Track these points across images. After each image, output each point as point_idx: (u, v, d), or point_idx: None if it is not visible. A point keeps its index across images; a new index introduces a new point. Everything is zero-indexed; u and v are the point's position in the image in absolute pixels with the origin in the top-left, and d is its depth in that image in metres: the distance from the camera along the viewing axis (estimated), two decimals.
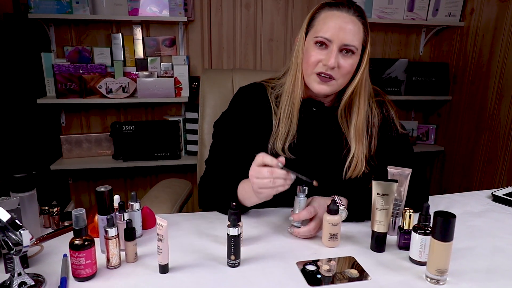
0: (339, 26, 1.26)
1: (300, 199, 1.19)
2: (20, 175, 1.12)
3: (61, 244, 1.13)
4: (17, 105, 2.54)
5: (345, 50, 1.28)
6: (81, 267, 0.96)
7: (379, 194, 1.13)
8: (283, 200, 1.38)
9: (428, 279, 1.01)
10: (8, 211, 0.92)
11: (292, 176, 1.15)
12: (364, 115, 1.37)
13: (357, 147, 1.38)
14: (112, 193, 1.08)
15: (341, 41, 1.27)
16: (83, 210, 0.97)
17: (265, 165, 1.14)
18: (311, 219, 1.21)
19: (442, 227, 0.97)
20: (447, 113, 3.49)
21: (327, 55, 1.28)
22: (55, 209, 1.24)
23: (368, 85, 1.38)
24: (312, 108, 1.44)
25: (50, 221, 1.25)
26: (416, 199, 1.32)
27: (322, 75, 1.30)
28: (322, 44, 1.29)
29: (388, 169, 1.25)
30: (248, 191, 1.25)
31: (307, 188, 1.19)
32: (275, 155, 1.38)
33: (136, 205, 1.18)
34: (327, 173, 1.42)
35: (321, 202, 1.24)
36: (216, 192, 1.39)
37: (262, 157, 1.14)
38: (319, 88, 1.33)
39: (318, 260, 1.09)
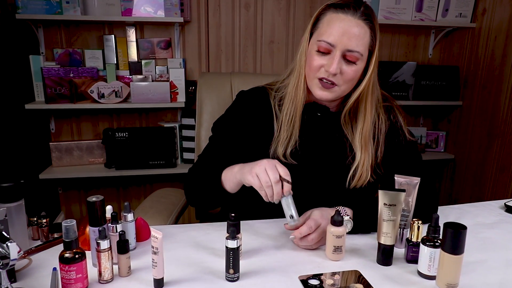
0: (343, 31, 1.27)
1: (285, 199, 1.20)
2: (7, 185, 1.12)
3: (51, 257, 1.13)
4: (4, 111, 2.54)
5: (349, 55, 1.29)
6: (71, 281, 0.96)
7: (386, 204, 1.13)
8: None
9: None
10: None
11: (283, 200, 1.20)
12: (370, 122, 1.38)
13: (363, 156, 1.39)
14: (104, 204, 1.09)
15: (345, 47, 1.27)
16: (74, 222, 0.97)
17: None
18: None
19: (453, 239, 0.98)
20: (457, 119, 3.49)
21: (329, 60, 1.29)
22: (44, 220, 1.24)
23: (375, 91, 1.39)
24: (317, 113, 1.45)
25: (39, 233, 1.25)
26: (425, 210, 1.32)
27: (324, 80, 1.31)
28: (325, 48, 1.30)
29: (395, 178, 1.25)
30: (233, 173, 1.30)
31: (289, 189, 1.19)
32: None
33: (130, 216, 1.18)
34: (330, 181, 1.43)
35: (323, 213, 1.24)
36: (203, 180, 1.41)
37: (285, 171, 1.18)
38: (321, 94, 1.34)
39: (321, 274, 1.09)
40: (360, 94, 1.36)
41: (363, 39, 1.28)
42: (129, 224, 1.18)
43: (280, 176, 1.17)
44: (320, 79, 1.32)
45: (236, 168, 1.29)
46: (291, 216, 1.19)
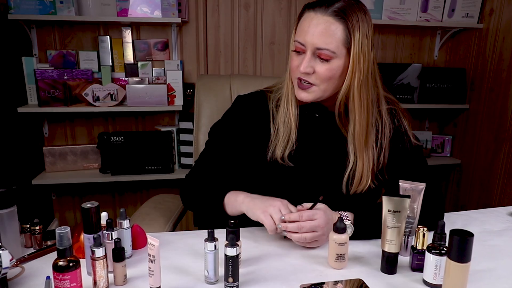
0: (311, 29, 1.28)
1: (208, 254, 1.09)
2: None
3: (44, 265, 1.13)
4: None
5: (320, 54, 1.29)
6: None
7: (390, 211, 1.13)
8: None
9: None
10: None
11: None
12: (361, 126, 1.36)
13: (360, 160, 1.39)
14: (99, 210, 1.09)
15: (313, 45, 1.29)
16: (68, 229, 0.97)
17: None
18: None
19: (459, 247, 0.98)
20: (464, 123, 3.50)
21: (302, 60, 1.31)
22: (37, 227, 1.24)
23: (366, 93, 1.35)
24: (315, 113, 1.45)
25: (32, 240, 1.25)
26: (431, 216, 1.33)
27: (302, 81, 1.34)
28: (299, 48, 1.32)
29: (400, 183, 1.25)
30: (237, 201, 1.34)
31: (216, 244, 1.08)
32: (274, 163, 1.40)
33: (126, 223, 1.19)
34: (329, 185, 1.43)
35: (326, 212, 1.26)
36: (203, 193, 1.45)
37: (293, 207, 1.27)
38: (301, 95, 1.37)
39: (323, 283, 1.09)
40: (345, 95, 1.35)
41: (333, 37, 1.27)
42: (125, 231, 1.18)
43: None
44: (299, 80, 1.35)
45: (241, 198, 1.34)
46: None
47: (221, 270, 1.07)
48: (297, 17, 1.37)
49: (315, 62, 1.31)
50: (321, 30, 1.27)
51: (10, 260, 0.91)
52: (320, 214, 1.23)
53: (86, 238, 1.07)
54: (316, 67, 1.31)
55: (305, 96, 1.36)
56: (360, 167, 1.39)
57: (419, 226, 1.15)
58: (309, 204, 1.27)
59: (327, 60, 1.29)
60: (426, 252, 1.08)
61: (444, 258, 1.03)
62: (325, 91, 1.35)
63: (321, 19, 1.28)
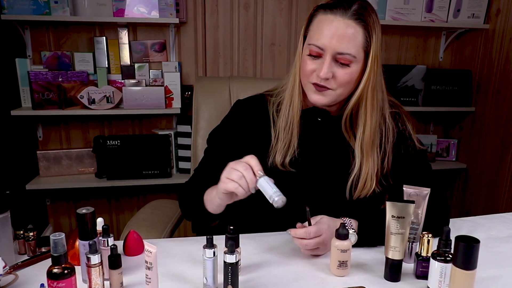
0: (331, 33, 1.27)
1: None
2: None
3: (38, 272, 1.13)
4: None
5: (340, 58, 1.29)
6: None
7: (394, 216, 1.13)
8: (286, 223, 1.39)
9: None
10: None
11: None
12: (371, 129, 1.37)
13: (365, 164, 1.39)
14: (94, 216, 1.09)
15: (334, 50, 1.28)
16: (63, 235, 0.97)
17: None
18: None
19: (465, 254, 0.98)
20: (470, 126, 3.50)
21: (320, 64, 1.30)
22: (31, 234, 1.24)
23: (378, 94, 1.37)
24: (317, 118, 1.45)
25: (26, 247, 1.25)
26: (435, 223, 1.33)
27: (318, 85, 1.33)
28: (316, 52, 1.31)
29: (404, 188, 1.25)
30: (212, 195, 1.31)
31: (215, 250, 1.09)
32: (275, 169, 1.40)
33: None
34: (332, 191, 1.44)
35: (330, 225, 1.25)
36: (193, 196, 1.43)
37: (249, 158, 1.19)
38: (316, 98, 1.36)
39: None
40: (358, 98, 1.36)
41: (354, 41, 1.28)
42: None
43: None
44: (314, 84, 1.34)
45: (214, 191, 1.30)
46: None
47: (220, 278, 1.07)
48: (308, 18, 1.36)
49: (333, 66, 1.30)
50: (344, 34, 1.27)
51: (3, 267, 0.92)
52: (325, 229, 1.23)
53: (81, 245, 1.07)
54: (335, 72, 1.30)
55: (320, 99, 1.35)
56: (365, 171, 1.39)
57: (423, 233, 1.16)
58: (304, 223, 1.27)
59: (347, 65, 1.30)
60: (431, 259, 1.08)
61: (449, 265, 1.03)
62: (340, 95, 1.36)
63: (342, 22, 1.27)
